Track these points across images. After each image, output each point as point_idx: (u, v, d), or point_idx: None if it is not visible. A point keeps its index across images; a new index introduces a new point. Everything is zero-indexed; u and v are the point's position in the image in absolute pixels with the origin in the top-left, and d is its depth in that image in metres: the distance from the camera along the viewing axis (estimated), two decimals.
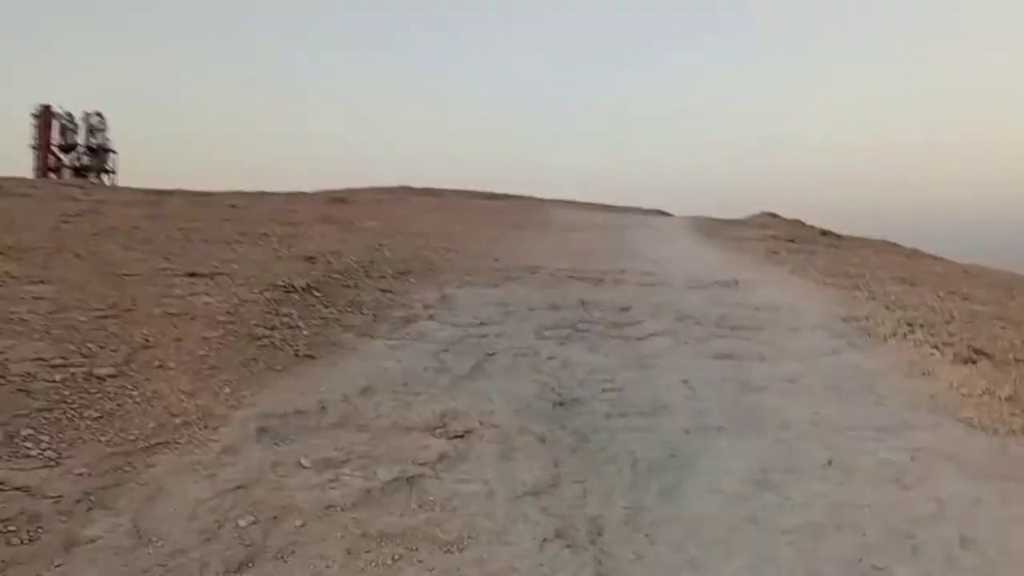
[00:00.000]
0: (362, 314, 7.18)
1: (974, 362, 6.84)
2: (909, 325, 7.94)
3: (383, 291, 8.09)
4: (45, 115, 56.99)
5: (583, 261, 11.93)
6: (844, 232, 21.61)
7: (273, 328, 6.33)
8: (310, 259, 9.09)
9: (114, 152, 52.79)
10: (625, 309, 8.40)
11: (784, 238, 18.48)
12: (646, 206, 27.25)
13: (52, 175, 56.09)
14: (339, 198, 18.24)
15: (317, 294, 7.43)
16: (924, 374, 6.54)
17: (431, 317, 7.36)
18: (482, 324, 7.33)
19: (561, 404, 5.60)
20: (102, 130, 53.72)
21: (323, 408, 5.08)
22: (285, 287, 7.40)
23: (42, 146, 57.04)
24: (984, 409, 5.82)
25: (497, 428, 5.07)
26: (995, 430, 5.48)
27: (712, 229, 19.09)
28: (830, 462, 4.93)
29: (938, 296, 9.92)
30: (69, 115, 55.88)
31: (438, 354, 6.26)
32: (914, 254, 18.57)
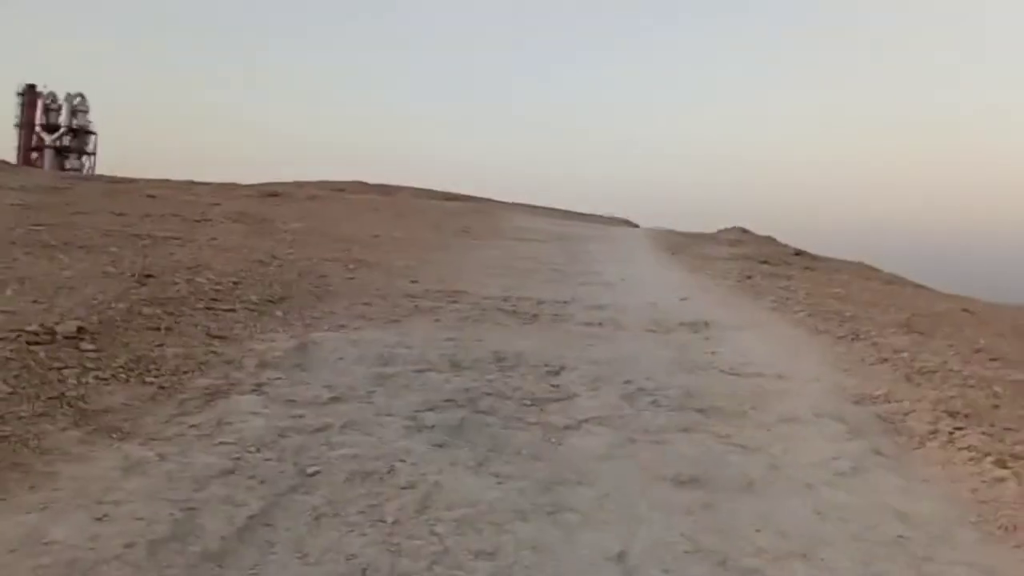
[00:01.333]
0: (145, 381, 4.30)
1: None
2: (950, 415, 5.20)
3: (213, 336, 5.20)
4: (30, 95, 53.51)
5: (522, 285, 9.12)
6: (816, 252, 19.00)
7: None
8: (147, 277, 6.20)
9: (94, 134, 49.32)
10: (555, 372, 5.59)
11: (756, 258, 15.79)
12: (611, 214, 24.50)
13: (35, 154, 52.50)
14: (274, 192, 15.30)
15: (88, 346, 4.52)
16: (1005, 529, 3.79)
17: (256, 388, 4.48)
18: (331, 401, 4.47)
19: None
20: (84, 111, 50.25)
21: None
22: (39, 332, 4.49)
23: (26, 125, 53.54)
24: None
25: None
26: None
27: (679, 244, 16.35)
28: None
29: (960, 355, 7.21)
30: (52, 95, 52.39)
31: (206, 482, 3.37)
32: (895, 281, 15.96)
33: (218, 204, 13.17)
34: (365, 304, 7.00)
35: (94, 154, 49.50)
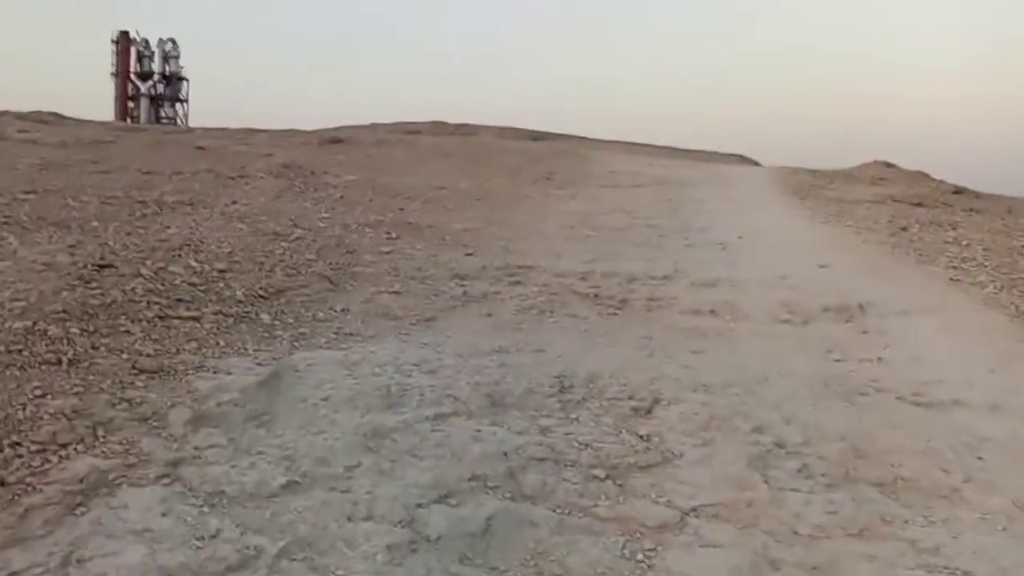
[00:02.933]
0: None
1: None
2: None
3: (141, 370, 3.68)
4: (123, 42, 54.46)
5: (609, 253, 7.31)
6: (976, 187, 15.96)
7: None
8: (101, 268, 4.81)
9: (187, 80, 49.78)
10: (646, 409, 3.84)
11: (908, 200, 13.10)
12: (727, 151, 21.82)
13: (131, 104, 53.74)
14: (337, 138, 13.87)
15: None
16: None
17: (167, 473, 2.91)
18: (284, 492, 2.91)
19: None
20: (176, 57, 50.63)
21: None
22: None
23: (121, 74, 54.67)
24: None
25: None
26: None
27: (809, 186, 13.87)
28: None
29: None
30: (145, 42, 53.05)
31: None
32: None
33: (269, 155, 11.88)
34: (394, 293, 5.41)
35: (186, 101, 50.04)
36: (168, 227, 6.28)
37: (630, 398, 3.95)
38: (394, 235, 7.17)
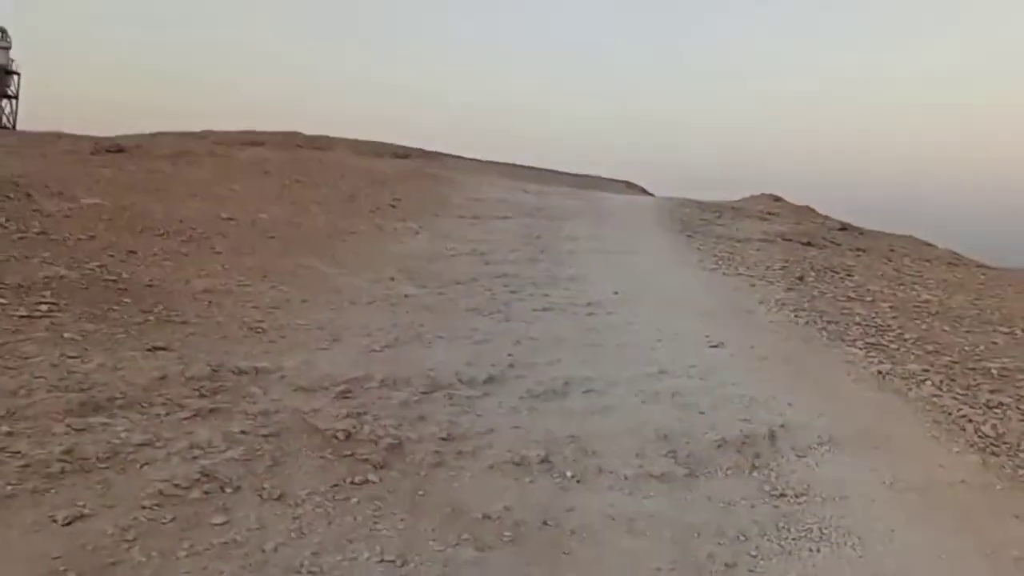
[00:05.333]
0: None
1: None
2: None
3: None
4: None
5: (413, 336, 5.04)
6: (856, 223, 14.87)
7: None
8: None
9: (17, 74, 44.36)
10: None
11: (797, 237, 11.69)
12: (611, 175, 20.09)
13: None
14: (117, 147, 11.02)
15: None
16: None
17: None
18: None
19: None
20: (6, 48, 45.11)
21: None
22: None
23: None
24: None
25: None
26: None
27: (696, 221, 12.17)
28: None
29: None
30: None
31: None
32: (959, 261, 11.87)
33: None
34: None
35: (16, 97, 44.46)
36: None
37: None
38: (58, 303, 4.61)
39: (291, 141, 17.30)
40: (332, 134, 19.60)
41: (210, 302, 5.22)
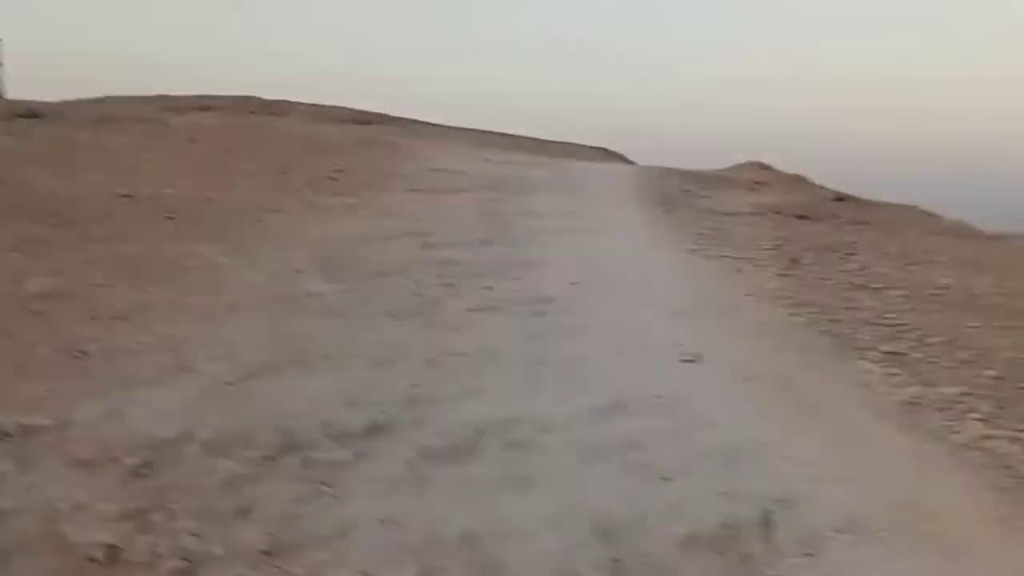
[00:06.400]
0: None
1: None
2: None
3: None
4: None
5: (292, 356, 3.78)
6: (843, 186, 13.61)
7: None
8: None
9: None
10: None
11: (790, 211, 10.45)
12: (589, 142, 18.66)
13: None
14: (31, 112, 9.60)
15: None
16: None
17: None
18: None
19: None
20: None
21: None
22: None
23: None
24: None
25: None
26: None
27: (677, 193, 10.92)
28: None
29: None
30: None
31: None
32: (969, 233, 10.70)
33: None
34: None
35: (2, 64, 42.21)
36: None
37: None
38: None
39: (245, 106, 15.83)
40: (295, 99, 18.10)
41: (37, 311, 3.95)
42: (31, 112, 9.64)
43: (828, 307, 5.83)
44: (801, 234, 9.11)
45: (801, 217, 10.40)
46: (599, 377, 3.87)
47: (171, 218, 6.08)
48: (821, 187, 13.59)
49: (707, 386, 3.87)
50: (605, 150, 18.14)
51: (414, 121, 17.83)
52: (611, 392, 3.63)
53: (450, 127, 16.88)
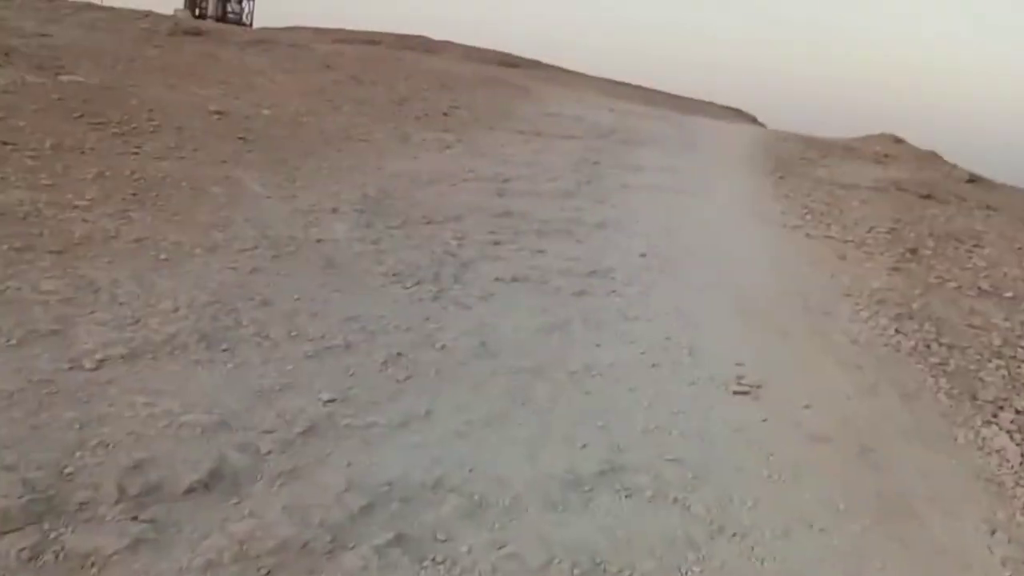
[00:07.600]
0: None
1: None
2: None
3: None
4: None
5: (295, 321, 2.48)
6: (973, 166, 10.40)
7: None
8: None
9: None
10: None
11: (915, 190, 7.81)
12: (728, 105, 15.78)
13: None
14: (195, 30, 8.78)
15: None
16: None
17: None
18: None
19: None
20: None
21: None
22: None
23: None
24: None
25: None
26: None
27: (793, 160, 8.54)
28: None
29: None
30: None
31: None
32: None
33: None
34: None
35: None
36: None
37: None
38: None
39: (404, 43, 14.55)
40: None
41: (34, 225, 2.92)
42: (195, 30, 8.84)
43: (945, 324, 3.82)
44: (922, 217, 6.71)
45: (926, 197, 7.82)
46: (616, 410, 2.31)
47: (241, 138, 4.94)
48: (954, 166, 10.49)
49: (759, 449, 2.21)
50: (738, 111, 15.34)
51: (560, 68, 15.83)
52: (621, 444, 2.09)
53: (592, 76, 14.76)
